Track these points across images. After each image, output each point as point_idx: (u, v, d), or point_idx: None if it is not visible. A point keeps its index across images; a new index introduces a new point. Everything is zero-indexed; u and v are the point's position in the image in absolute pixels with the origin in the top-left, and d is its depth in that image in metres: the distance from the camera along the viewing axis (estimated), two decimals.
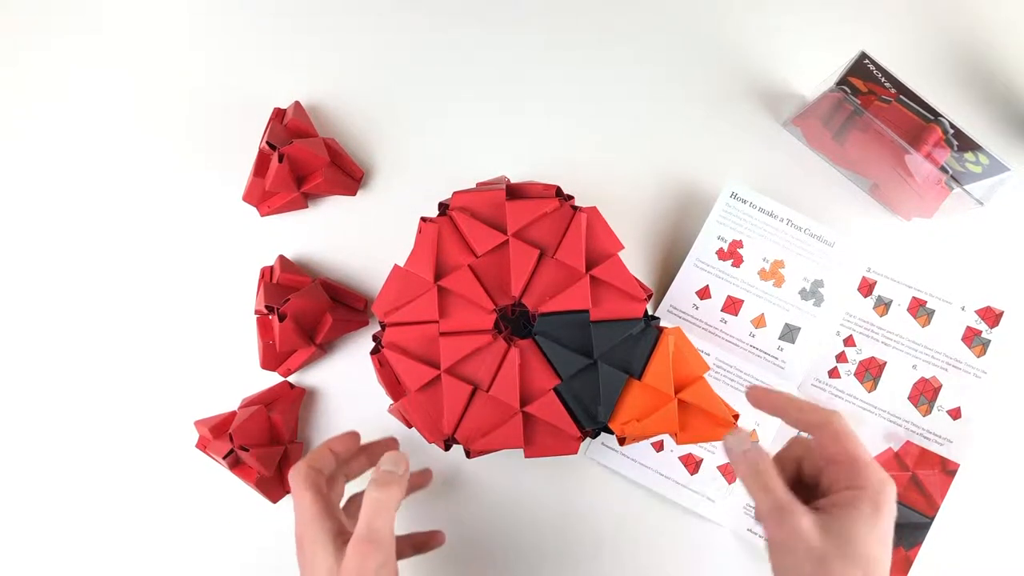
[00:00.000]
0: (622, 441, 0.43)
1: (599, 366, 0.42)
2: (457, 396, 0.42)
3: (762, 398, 0.40)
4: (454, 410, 0.42)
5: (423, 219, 0.45)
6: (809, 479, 0.38)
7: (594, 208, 0.45)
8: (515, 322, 0.44)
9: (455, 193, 0.45)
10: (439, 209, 0.46)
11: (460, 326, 0.43)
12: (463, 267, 0.43)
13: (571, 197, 0.46)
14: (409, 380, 0.43)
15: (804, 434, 0.41)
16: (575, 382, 0.43)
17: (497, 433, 0.43)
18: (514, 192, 0.46)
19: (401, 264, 0.44)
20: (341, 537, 0.39)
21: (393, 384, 0.44)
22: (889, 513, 0.36)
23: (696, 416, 0.42)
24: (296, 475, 0.41)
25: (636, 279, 0.44)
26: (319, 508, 0.40)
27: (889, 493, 0.36)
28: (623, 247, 0.45)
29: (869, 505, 0.35)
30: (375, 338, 0.45)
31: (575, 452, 0.44)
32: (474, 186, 0.48)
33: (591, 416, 0.43)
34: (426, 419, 0.43)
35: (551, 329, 0.43)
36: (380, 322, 0.44)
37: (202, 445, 0.51)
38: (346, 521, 0.41)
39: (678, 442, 0.43)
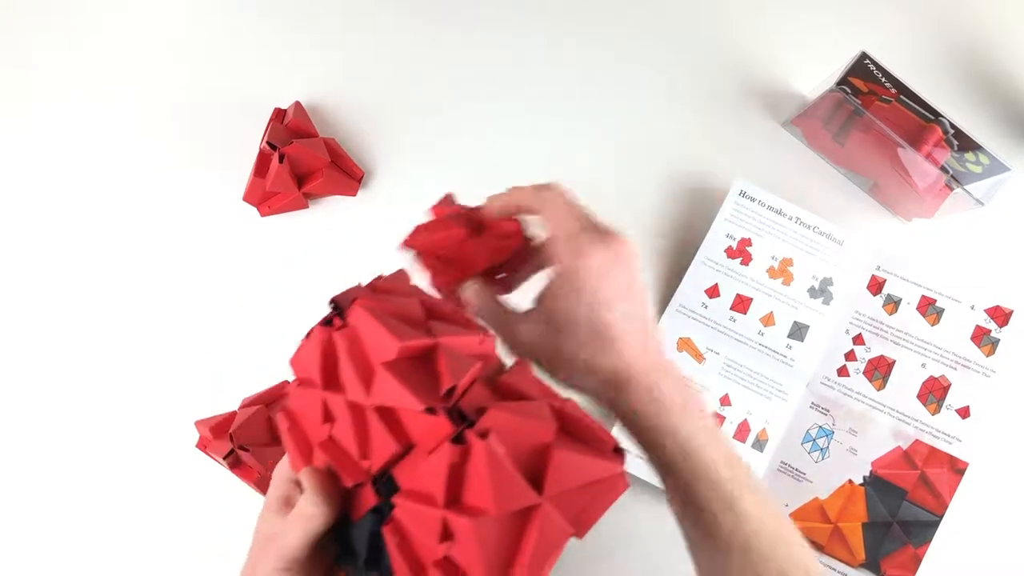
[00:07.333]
0: None
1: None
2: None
3: (496, 202, 0.38)
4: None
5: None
6: None
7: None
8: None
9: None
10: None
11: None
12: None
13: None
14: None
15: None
16: None
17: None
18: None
19: (407, 266, 0.37)
20: None
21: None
22: (585, 277, 0.32)
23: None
24: (312, 483, 0.29)
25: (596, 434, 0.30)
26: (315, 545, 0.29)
27: (580, 261, 0.33)
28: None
29: (560, 278, 0.33)
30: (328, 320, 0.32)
31: None
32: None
33: None
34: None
35: None
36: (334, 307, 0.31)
37: (202, 445, 0.50)
38: None
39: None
